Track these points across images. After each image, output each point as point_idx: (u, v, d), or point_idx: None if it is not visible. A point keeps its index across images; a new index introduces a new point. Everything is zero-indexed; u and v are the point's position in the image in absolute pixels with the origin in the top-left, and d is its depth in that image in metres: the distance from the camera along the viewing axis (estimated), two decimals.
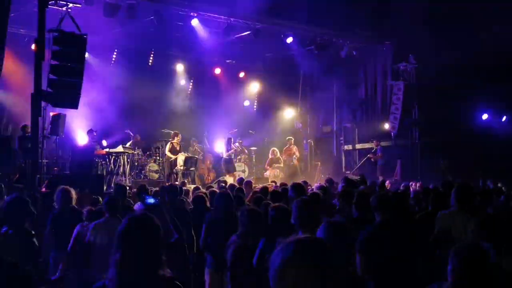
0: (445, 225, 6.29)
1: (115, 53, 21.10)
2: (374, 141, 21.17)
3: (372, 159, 20.75)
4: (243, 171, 21.09)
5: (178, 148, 19.46)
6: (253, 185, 13.35)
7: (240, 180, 14.42)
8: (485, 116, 19.34)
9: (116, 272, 3.18)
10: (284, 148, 21.83)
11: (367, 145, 22.05)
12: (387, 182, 15.04)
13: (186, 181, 17.76)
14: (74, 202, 8.14)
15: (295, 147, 22.05)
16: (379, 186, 11.22)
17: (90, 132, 17.82)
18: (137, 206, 6.39)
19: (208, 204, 9.20)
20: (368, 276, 5.44)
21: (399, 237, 5.66)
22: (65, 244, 7.73)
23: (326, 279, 2.18)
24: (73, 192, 8.11)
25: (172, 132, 19.89)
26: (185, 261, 8.13)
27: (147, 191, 9.59)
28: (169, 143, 19.51)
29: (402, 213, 6.50)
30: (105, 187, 14.88)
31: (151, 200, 5.72)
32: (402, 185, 13.32)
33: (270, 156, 21.35)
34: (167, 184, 13.66)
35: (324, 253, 2.24)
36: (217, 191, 10.29)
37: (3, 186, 8.65)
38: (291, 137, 22.20)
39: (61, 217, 7.95)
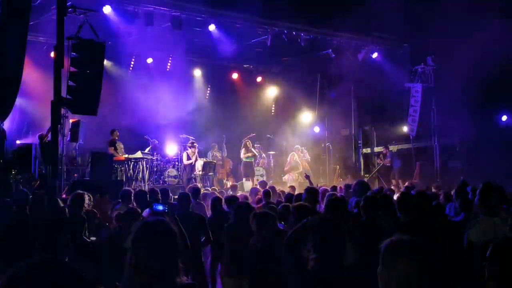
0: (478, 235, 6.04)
1: (133, 60, 21.20)
2: (383, 147, 21.26)
3: (379, 162, 20.89)
4: (262, 175, 21.10)
5: (192, 157, 19.47)
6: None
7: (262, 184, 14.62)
8: (504, 118, 19.15)
9: (129, 278, 3.10)
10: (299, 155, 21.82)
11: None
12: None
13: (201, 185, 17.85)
14: (86, 208, 8.15)
15: (305, 151, 22.06)
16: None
17: (113, 131, 18.04)
18: (145, 212, 6.37)
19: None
20: None
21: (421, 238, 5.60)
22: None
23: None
24: (86, 198, 8.12)
25: (190, 140, 19.92)
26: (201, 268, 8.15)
27: (158, 193, 9.62)
28: (185, 152, 19.60)
29: (427, 214, 6.41)
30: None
31: (159, 207, 5.70)
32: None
33: (288, 160, 21.33)
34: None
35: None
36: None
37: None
38: (298, 146, 22.18)
39: (70, 223, 7.97)
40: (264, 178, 20.71)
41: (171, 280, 3.12)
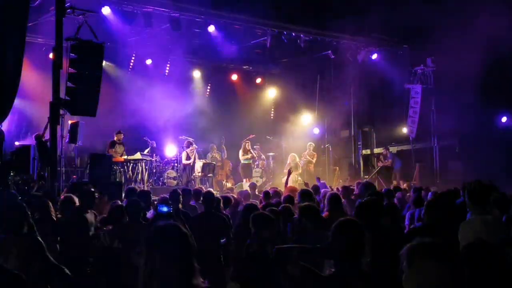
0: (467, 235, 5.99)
1: (132, 61, 21.16)
2: (383, 148, 21.23)
3: (379, 164, 20.88)
4: (261, 177, 21.06)
5: (191, 157, 19.46)
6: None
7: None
8: (504, 119, 19.14)
9: (145, 283, 3.11)
10: (303, 154, 21.74)
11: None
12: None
13: (203, 187, 17.79)
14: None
15: (315, 154, 21.98)
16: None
17: (118, 133, 18.03)
18: (149, 214, 6.31)
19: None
20: None
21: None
22: (71, 251, 7.60)
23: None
24: (75, 200, 8.03)
25: (186, 141, 19.88)
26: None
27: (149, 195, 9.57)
28: (184, 151, 19.58)
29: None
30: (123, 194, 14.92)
31: (164, 209, 5.66)
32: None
33: (288, 161, 21.27)
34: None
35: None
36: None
37: None
38: (311, 143, 22.09)
39: (66, 225, 7.82)
40: (264, 180, 20.68)
41: (188, 283, 3.14)
